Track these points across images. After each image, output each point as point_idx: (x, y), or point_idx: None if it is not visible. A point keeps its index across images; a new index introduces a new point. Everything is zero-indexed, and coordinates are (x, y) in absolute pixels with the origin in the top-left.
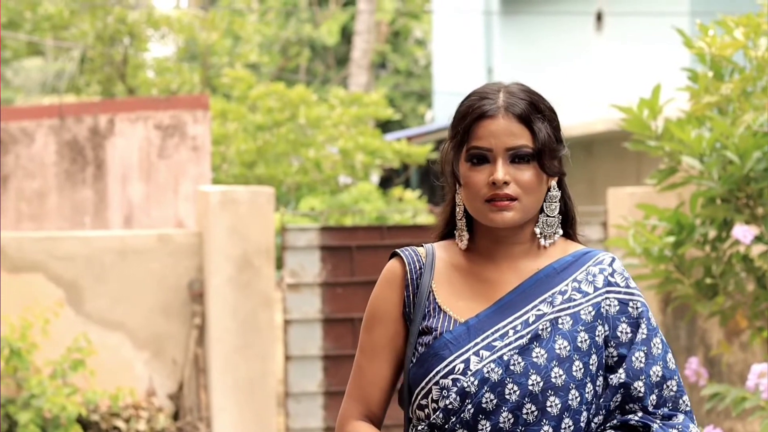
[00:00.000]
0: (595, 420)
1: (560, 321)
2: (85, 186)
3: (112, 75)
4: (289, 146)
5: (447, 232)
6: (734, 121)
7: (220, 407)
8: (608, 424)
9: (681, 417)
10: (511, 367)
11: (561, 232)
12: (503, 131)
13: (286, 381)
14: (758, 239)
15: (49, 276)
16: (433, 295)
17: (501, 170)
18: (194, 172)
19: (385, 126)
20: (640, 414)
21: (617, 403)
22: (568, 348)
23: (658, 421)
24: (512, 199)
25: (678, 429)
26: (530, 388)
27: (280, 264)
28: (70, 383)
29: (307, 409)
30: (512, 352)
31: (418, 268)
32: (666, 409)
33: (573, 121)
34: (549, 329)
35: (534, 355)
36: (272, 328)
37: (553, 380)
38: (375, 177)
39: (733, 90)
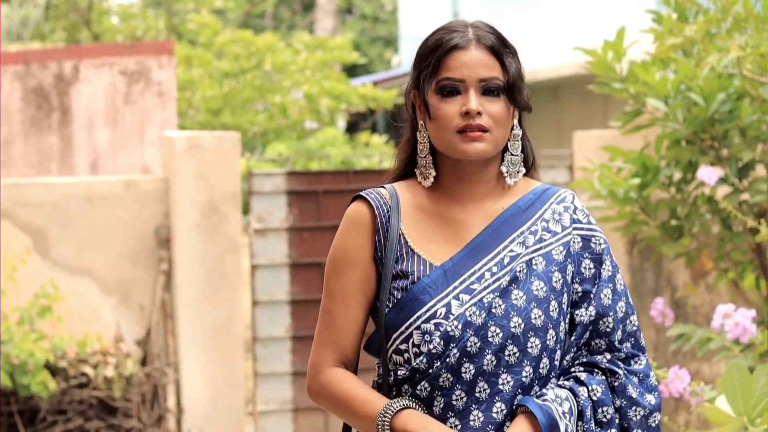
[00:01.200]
0: (567, 357)
1: (534, 262)
2: (51, 133)
3: (77, 22)
4: (255, 92)
5: (405, 172)
6: (698, 62)
7: (188, 352)
8: (578, 362)
9: (643, 361)
10: (493, 310)
11: (524, 170)
12: (476, 62)
13: (254, 326)
14: (723, 181)
15: (15, 223)
16: (404, 238)
17: (474, 100)
18: (160, 118)
19: (352, 71)
20: (608, 356)
21: (585, 340)
22: (544, 289)
23: (623, 368)
24: (484, 130)
25: (639, 377)
26: (512, 330)
27: (246, 209)
28: (38, 329)
29: (275, 353)
30: (493, 295)
31: (386, 210)
32: (629, 345)
33: (539, 65)
34: (525, 270)
35: (513, 297)
36: (239, 273)
37: (533, 321)
38: (341, 122)
39: (697, 32)
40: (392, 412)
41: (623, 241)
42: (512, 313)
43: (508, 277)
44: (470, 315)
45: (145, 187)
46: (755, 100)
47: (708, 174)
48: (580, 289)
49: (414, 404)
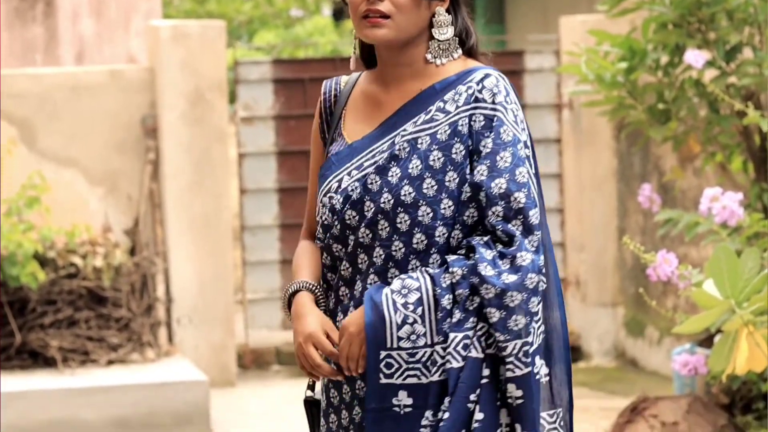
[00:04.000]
0: (453, 234)
1: (419, 141)
2: (36, 24)
3: None
4: None
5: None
6: None
7: (177, 242)
8: (464, 243)
9: (518, 241)
10: (369, 186)
11: (459, 52)
12: None
13: (242, 215)
14: (710, 64)
15: (1, 114)
16: (342, 121)
17: None
18: (145, 7)
19: None
20: (485, 239)
21: (474, 218)
22: (419, 167)
23: (496, 251)
24: (385, 16)
25: (509, 259)
26: (382, 205)
27: (233, 98)
28: (26, 220)
29: (263, 242)
30: (372, 171)
31: (332, 96)
32: (515, 226)
33: None
34: (407, 149)
35: (390, 174)
36: (226, 162)
37: (403, 197)
38: (326, 9)
39: None
40: (289, 292)
41: (610, 125)
42: (384, 189)
43: (386, 155)
44: (351, 190)
45: (130, 77)
46: None
47: (695, 57)
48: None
49: (309, 285)
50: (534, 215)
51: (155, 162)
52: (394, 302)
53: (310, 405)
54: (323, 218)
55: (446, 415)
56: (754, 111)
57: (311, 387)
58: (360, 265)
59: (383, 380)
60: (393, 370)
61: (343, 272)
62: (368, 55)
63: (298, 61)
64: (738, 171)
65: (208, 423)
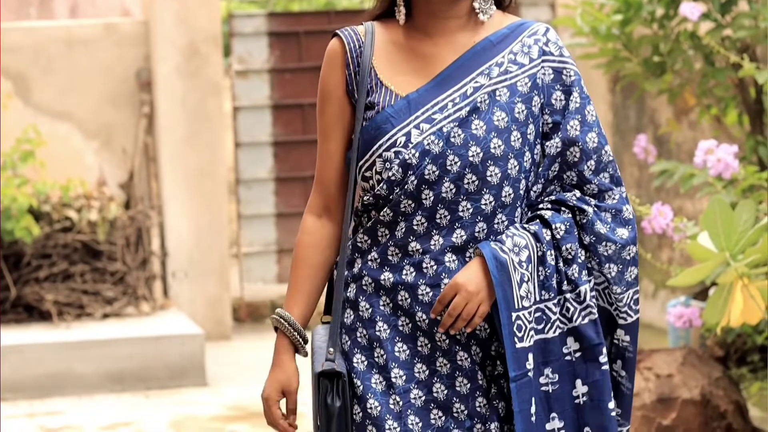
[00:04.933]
0: (534, 189)
1: (498, 93)
2: None
3: None
4: None
5: (384, 11)
6: None
7: (172, 196)
8: (546, 199)
9: (617, 195)
10: (452, 139)
11: (495, 7)
12: None
13: (237, 168)
14: (705, 16)
15: None
16: (375, 71)
17: None
18: None
19: None
20: (578, 194)
21: (555, 173)
22: (506, 119)
23: (592, 205)
24: None
25: (611, 212)
26: (470, 159)
27: (227, 51)
28: (21, 175)
29: (258, 195)
30: (452, 125)
31: (357, 46)
32: (605, 177)
33: None
34: (487, 101)
35: (473, 127)
36: (221, 115)
37: (492, 150)
38: None
39: None
40: (275, 316)
41: (606, 78)
42: (471, 142)
43: (468, 108)
44: (428, 143)
45: (125, 30)
46: None
47: (690, 9)
48: (550, 120)
49: (291, 325)
50: (618, 170)
51: (150, 116)
52: (513, 261)
53: (328, 377)
54: (389, 174)
55: (602, 361)
56: (749, 63)
57: (331, 359)
58: (438, 220)
59: (518, 344)
60: (522, 332)
61: (415, 227)
62: (387, 7)
63: (292, 15)
64: (733, 124)
65: (204, 376)
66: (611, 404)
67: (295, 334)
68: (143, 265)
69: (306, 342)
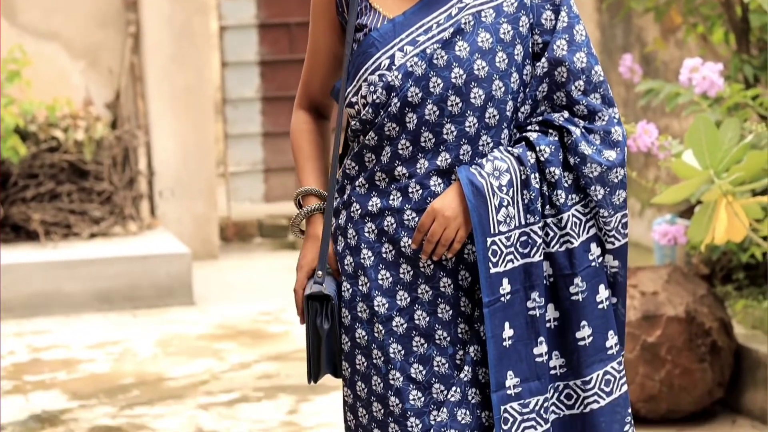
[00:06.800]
0: (522, 109)
1: (483, 14)
2: None
3: None
4: None
5: None
6: None
7: (158, 115)
8: (534, 120)
9: (606, 116)
10: (435, 61)
11: None
12: None
13: (223, 87)
14: None
15: None
16: None
17: None
18: None
19: None
20: (566, 114)
21: (544, 93)
22: (490, 40)
23: (580, 126)
24: None
25: (599, 134)
26: (453, 80)
27: None
28: (7, 95)
29: (245, 114)
30: (435, 46)
31: None
32: (596, 98)
33: None
34: (472, 22)
35: (457, 48)
36: (208, 35)
37: (476, 72)
38: None
39: None
40: (302, 216)
41: None
42: (454, 63)
43: (452, 29)
44: (411, 65)
45: None
46: None
47: None
48: (540, 40)
49: (317, 192)
50: (609, 90)
51: (136, 35)
52: (491, 185)
53: (315, 300)
54: (373, 98)
55: (583, 288)
56: None
57: (319, 282)
58: (423, 144)
59: (492, 269)
60: (497, 257)
61: (401, 151)
62: None
63: None
64: (720, 42)
65: (191, 295)
66: (579, 333)
67: (321, 202)
68: (130, 184)
69: None
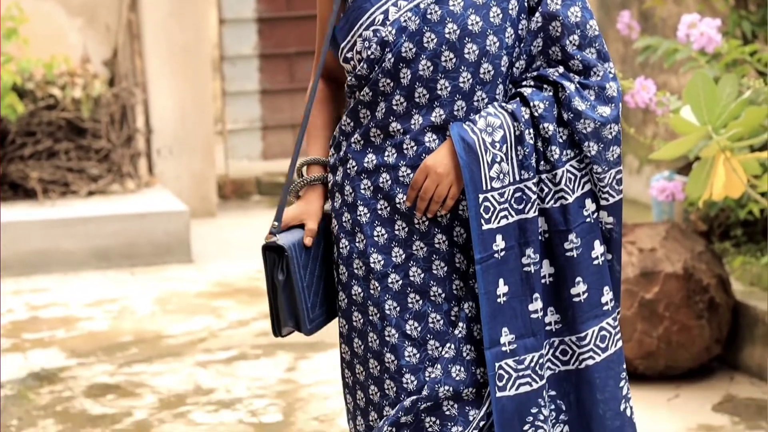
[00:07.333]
0: (517, 65)
1: None
2: None
3: None
4: None
5: None
6: None
7: (156, 73)
8: (529, 75)
9: (601, 71)
10: (428, 16)
11: None
12: None
13: (221, 45)
14: None
15: None
16: None
17: None
18: None
19: None
20: (561, 69)
21: (539, 48)
22: None
23: (574, 81)
24: None
25: (594, 89)
26: (447, 36)
27: None
28: (4, 53)
29: (243, 72)
30: (429, 1)
31: None
32: (591, 53)
33: None
34: None
35: (450, 3)
36: None
37: (470, 27)
38: None
39: None
40: (300, 185)
41: None
42: (448, 19)
43: None
44: (405, 20)
45: None
46: None
47: None
48: None
49: (319, 178)
50: (604, 45)
51: None
52: (484, 141)
53: (272, 251)
54: (368, 53)
55: (578, 244)
56: None
57: (273, 232)
58: (417, 99)
59: (485, 226)
60: (490, 214)
61: (395, 107)
62: None
63: None
64: None
65: (189, 253)
66: (574, 289)
67: (324, 173)
68: (128, 142)
69: None
